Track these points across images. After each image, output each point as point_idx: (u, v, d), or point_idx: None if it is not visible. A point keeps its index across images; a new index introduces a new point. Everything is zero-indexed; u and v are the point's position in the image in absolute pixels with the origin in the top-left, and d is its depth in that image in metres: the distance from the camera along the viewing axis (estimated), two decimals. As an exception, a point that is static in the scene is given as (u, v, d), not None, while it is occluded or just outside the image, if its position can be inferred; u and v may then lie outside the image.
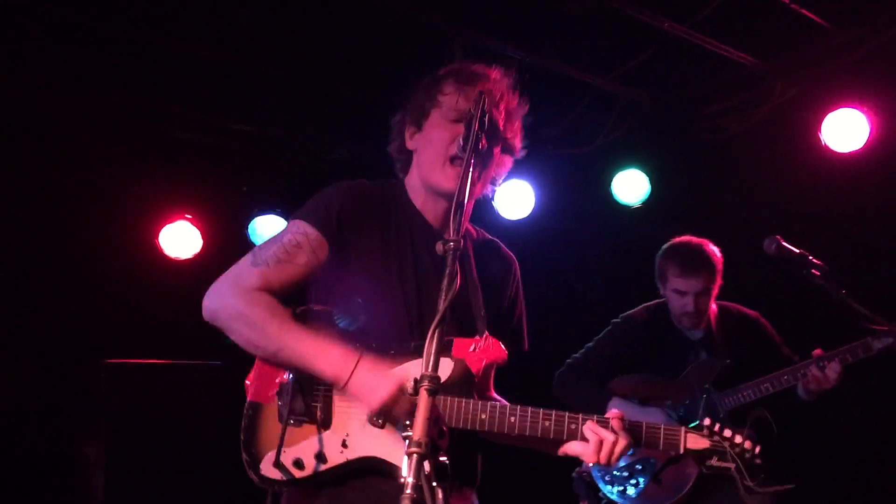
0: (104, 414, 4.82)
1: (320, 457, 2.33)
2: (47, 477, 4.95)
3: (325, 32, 4.87)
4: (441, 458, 1.82)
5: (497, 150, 2.58)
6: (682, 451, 2.38)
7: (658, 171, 6.20)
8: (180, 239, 5.65)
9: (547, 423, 2.38)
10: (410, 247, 2.56)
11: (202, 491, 4.92)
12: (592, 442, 2.37)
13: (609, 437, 2.37)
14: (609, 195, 6.28)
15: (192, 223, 5.66)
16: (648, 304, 4.53)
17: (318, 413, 2.37)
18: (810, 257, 3.82)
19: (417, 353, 2.31)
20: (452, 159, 2.51)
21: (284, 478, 2.32)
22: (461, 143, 2.33)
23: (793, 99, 5.62)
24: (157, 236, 5.61)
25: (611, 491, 4.26)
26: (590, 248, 6.61)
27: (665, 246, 4.49)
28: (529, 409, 2.38)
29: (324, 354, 2.34)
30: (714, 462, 2.34)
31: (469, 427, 2.35)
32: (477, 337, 2.45)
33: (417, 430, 1.73)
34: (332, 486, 2.36)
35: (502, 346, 2.49)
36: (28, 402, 5.16)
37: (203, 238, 5.67)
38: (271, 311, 2.40)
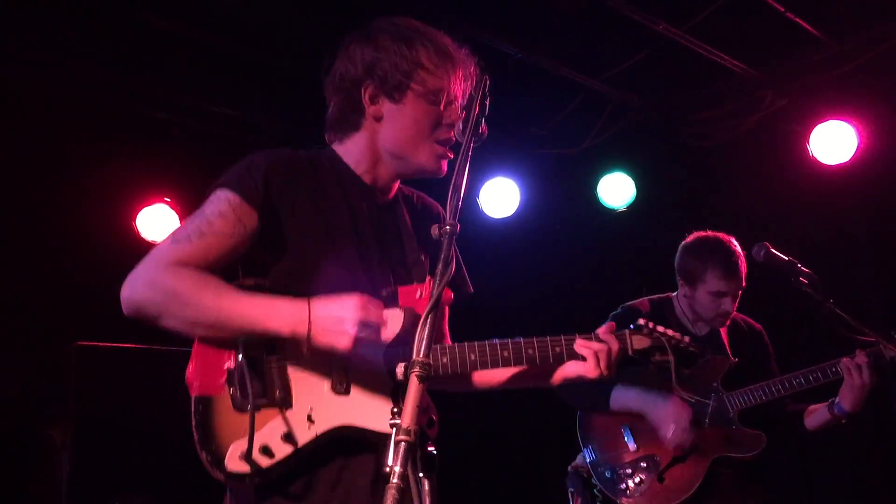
0: (73, 397, 4.71)
1: (288, 438, 2.15)
2: (12, 459, 4.83)
3: (314, 20, 4.79)
4: (429, 448, 1.75)
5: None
6: (630, 352, 2.45)
7: (644, 175, 6.19)
8: (158, 222, 5.54)
9: (531, 352, 2.33)
10: (348, 212, 2.39)
11: (169, 478, 4.83)
12: (589, 356, 2.36)
13: (601, 346, 2.37)
14: (594, 197, 6.25)
15: (170, 206, 5.56)
16: (652, 296, 4.36)
17: (276, 392, 2.18)
18: (798, 265, 3.78)
19: None
20: (441, 142, 2.39)
21: (252, 469, 2.13)
22: (461, 128, 2.25)
23: (782, 109, 5.64)
24: (134, 218, 5.52)
25: (612, 488, 4.03)
26: (573, 249, 6.58)
27: (694, 242, 4.22)
28: (508, 340, 2.33)
29: (273, 310, 2.15)
30: (657, 357, 2.46)
31: (436, 372, 2.24)
32: (419, 283, 2.32)
33: (406, 418, 1.65)
34: (305, 468, 2.18)
35: (447, 288, 2.33)
36: (-5, 383, 5.04)
37: (181, 222, 5.54)
38: (202, 280, 2.18)
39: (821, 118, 5.42)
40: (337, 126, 2.50)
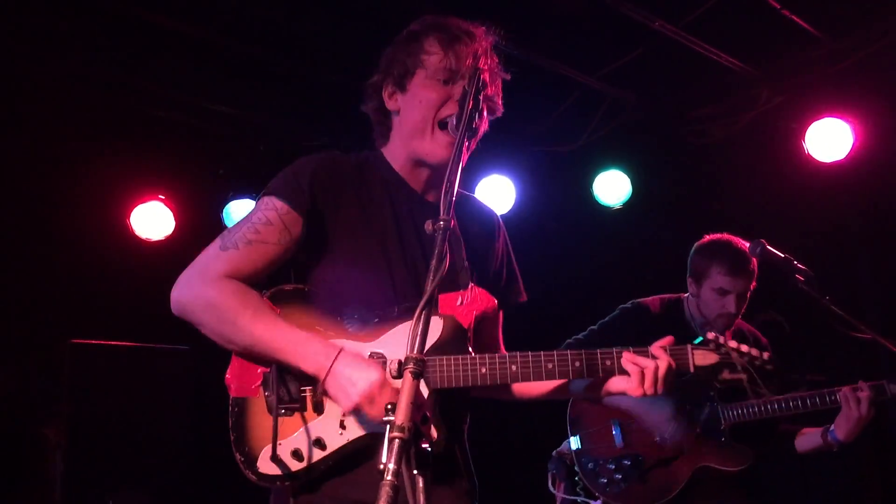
0: (67, 395, 4.70)
1: (319, 443, 2.18)
2: (6, 458, 4.81)
3: (309, 17, 4.78)
4: (423, 445, 1.73)
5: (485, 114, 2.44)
6: (691, 369, 2.32)
7: (640, 172, 6.18)
8: (152, 219, 5.55)
9: (550, 366, 2.26)
10: (392, 213, 2.40)
11: (163, 476, 4.82)
12: (634, 373, 2.28)
13: (649, 364, 2.28)
14: (590, 195, 6.24)
15: (165, 204, 5.56)
16: (664, 296, 4.34)
17: (309, 398, 2.21)
18: (795, 262, 3.77)
19: (402, 317, 2.26)
20: (442, 124, 2.38)
21: (283, 472, 2.16)
22: (454, 123, 2.24)
23: (778, 106, 5.62)
24: (128, 216, 5.51)
25: (593, 480, 4.06)
26: (569, 247, 6.57)
27: (704, 243, 4.23)
28: (529, 353, 2.27)
29: (301, 348, 2.18)
30: (726, 375, 2.29)
31: (471, 384, 2.23)
32: (462, 290, 2.34)
33: (400, 415, 1.64)
34: (335, 473, 2.21)
35: (490, 294, 2.40)
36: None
37: (176, 220, 5.57)
38: (242, 300, 2.22)
39: (817, 115, 5.41)
40: (377, 132, 2.57)
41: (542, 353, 2.29)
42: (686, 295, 4.32)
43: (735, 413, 3.96)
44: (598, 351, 2.30)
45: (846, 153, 5.35)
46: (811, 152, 5.43)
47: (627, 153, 6.17)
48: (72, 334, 4.86)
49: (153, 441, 4.82)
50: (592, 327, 4.29)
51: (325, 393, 2.18)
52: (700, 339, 2.32)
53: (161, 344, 4.96)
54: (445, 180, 1.98)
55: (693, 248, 4.28)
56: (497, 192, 6.31)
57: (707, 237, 4.26)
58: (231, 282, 2.24)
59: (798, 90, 5.52)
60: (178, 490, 4.88)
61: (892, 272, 5.40)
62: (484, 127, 2.37)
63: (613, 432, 4.07)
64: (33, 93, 4.96)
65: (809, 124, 5.43)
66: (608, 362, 2.30)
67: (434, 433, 2.14)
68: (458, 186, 2.56)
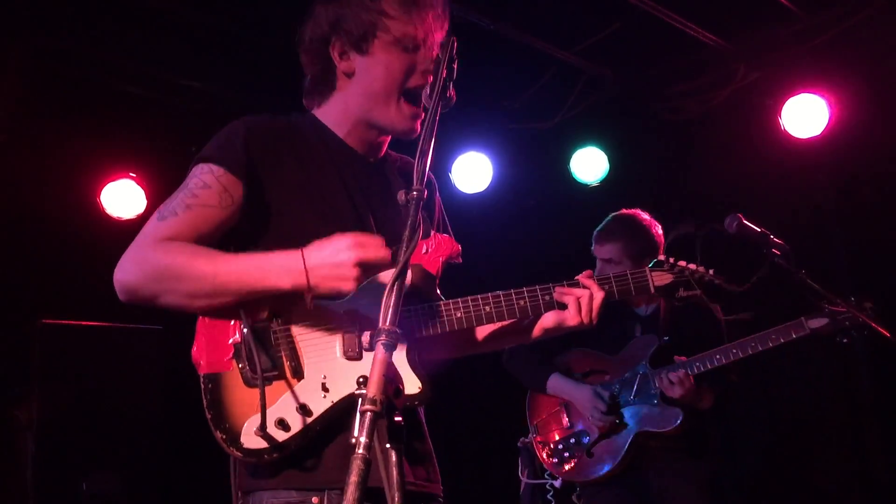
0: (37, 375, 4.63)
1: (304, 409, 2.09)
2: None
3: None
4: (396, 419, 1.69)
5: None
6: (652, 290, 2.40)
7: (617, 149, 6.17)
8: (123, 198, 5.47)
9: (522, 303, 2.29)
10: (336, 173, 2.33)
11: (136, 457, 4.77)
12: (570, 303, 2.30)
13: (583, 293, 2.31)
14: (568, 172, 6.22)
15: (136, 182, 5.47)
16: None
17: (287, 363, 2.12)
18: (771, 236, 3.78)
19: None
20: (408, 95, 2.32)
21: (270, 444, 2.07)
22: (428, 92, 2.19)
23: (754, 82, 5.62)
24: (98, 194, 5.42)
25: (549, 462, 4.40)
26: (546, 224, 6.56)
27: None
28: (500, 293, 2.29)
29: (269, 266, 2.09)
30: (682, 293, 2.41)
31: (448, 329, 2.22)
32: (425, 239, 2.28)
33: (372, 387, 1.59)
34: (322, 439, 2.12)
35: (452, 239, 2.34)
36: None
37: (147, 198, 5.49)
38: (192, 250, 2.13)
39: (792, 91, 5.41)
40: (313, 90, 2.45)
41: (512, 290, 2.30)
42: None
43: (664, 377, 4.12)
44: (537, 287, 2.32)
45: (822, 129, 5.37)
46: (787, 128, 5.44)
47: (604, 130, 6.16)
48: (42, 314, 4.79)
49: (126, 422, 4.77)
50: None
51: (316, 298, 2.09)
52: (654, 262, 2.45)
53: (133, 324, 4.90)
54: (418, 150, 1.92)
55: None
56: (474, 170, 6.29)
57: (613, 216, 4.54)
58: (175, 241, 2.13)
59: (774, 66, 5.52)
60: (152, 471, 4.83)
61: (866, 246, 5.44)
62: (454, 97, 2.32)
63: (562, 416, 4.42)
64: (0, 70, 4.85)
65: (785, 100, 5.43)
66: (546, 297, 2.32)
67: (417, 385, 2.12)
68: (390, 150, 2.53)
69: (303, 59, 2.46)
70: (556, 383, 4.41)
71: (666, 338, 4.27)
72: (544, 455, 4.43)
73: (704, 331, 4.26)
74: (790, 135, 5.44)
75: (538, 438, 4.46)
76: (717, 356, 4.04)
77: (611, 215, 4.53)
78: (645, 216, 4.48)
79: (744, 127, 5.68)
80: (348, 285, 2.07)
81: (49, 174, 5.21)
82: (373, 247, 2.07)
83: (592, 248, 4.49)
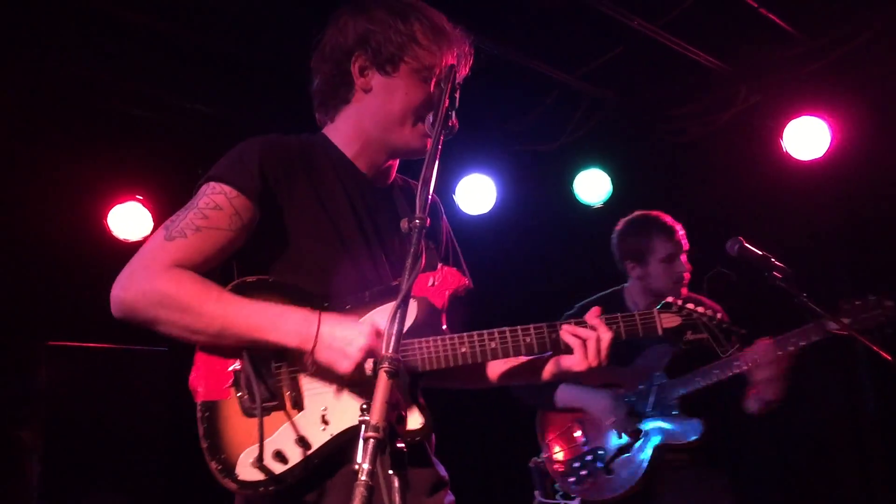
0: (43, 397, 4.64)
1: (302, 442, 2.05)
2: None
3: (289, 15, 4.75)
4: (398, 445, 1.71)
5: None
6: (660, 332, 2.36)
7: (620, 171, 6.19)
8: (130, 220, 5.49)
9: (528, 339, 2.23)
10: (345, 197, 2.30)
11: (141, 479, 4.78)
12: (576, 346, 2.26)
13: (590, 335, 2.26)
14: (571, 194, 6.25)
15: (143, 204, 5.51)
16: (601, 293, 4.41)
17: (287, 394, 2.08)
18: (772, 259, 3.78)
19: (375, 302, 2.18)
20: (417, 118, 2.32)
21: (267, 476, 2.02)
22: (430, 120, 2.21)
23: (756, 104, 5.65)
24: (105, 216, 5.45)
25: (563, 481, 4.19)
26: (550, 246, 6.58)
27: (628, 226, 4.38)
28: (506, 329, 2.24)
29: (279, 322, 2.04)
30: (690, 336, 2.37)
31: (451, 364, 2.18)
32: (432, 271, 2.26)
33: (375, 414, 1.60)
34: (320, 472, 2.09)
35: (460, 273, 2.31)
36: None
37: (154, 220, 5.52)
38: (203, 286, 2.05)
39: (794, 114, 5.44)
40: (324, 99, 2.42)
41: (518, 327, 2.26)
42: (623, 286, 4.39)
43: (681, 388, 4.02)
44: (544, 324, 2.29)
45: (824, 151, 5.39)
46: (789, 150, 5.46)
47: (608, 152, 6.19)
48: (48, 336, 4.81)
49: (130, 443, 4.78)
50: None
51: (315, 365, 2.06)
52: (662, 303, 2.41)
53: (138, 346, 4.92)
54: (421, 178, 1.93)
55: (618, 234, 4.41)
56: (477, 192, 6.31)
57: (623, 221, 4.41)
58: (183, 271, 2.07)
59: (776, 88, 5.55)
60: (157, 492, 4.84)
61: (869, 268, 5.44)
62: (457, 125, 2.34)
63: (575, 432, 4.21)
64: (8, 91, 4.90)
65: (787, 123, 5.46)
66: (553, 335, 2.28)
67: (420, 421, 2.10)
68: (399, 173, 2.52)
69: (316, 64, 2.43)
70: (567, 393, 4.20)
71: (681, 347, 4.09)
72: (559, 474, 4.21)
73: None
74: (792, 157, 5.46)
75: (551, 457, 4.26)
76: (736, 362, 3.88)
77: (649, 213, 4.36)
78: None
79: (746, 149, 5.70)
80: (345, 365, 2.03)
81: (56, 196, 5.25)
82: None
83: (662, 248, 4.19)
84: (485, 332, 2.24)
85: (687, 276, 4.21)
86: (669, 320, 2.37)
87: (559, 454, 4.23)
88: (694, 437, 3.98)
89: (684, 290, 4.21)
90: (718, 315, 2.40)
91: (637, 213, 4.40)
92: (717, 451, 4.14)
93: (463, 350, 2.19)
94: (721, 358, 4.03)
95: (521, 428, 4.73)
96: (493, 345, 2.22)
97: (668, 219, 4.28)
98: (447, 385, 2.54)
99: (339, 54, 2.36)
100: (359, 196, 2.34)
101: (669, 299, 2.41)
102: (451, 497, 2.33)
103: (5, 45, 4.62)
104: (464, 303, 2.37)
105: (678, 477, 4.03)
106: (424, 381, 2.25)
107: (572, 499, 4.21)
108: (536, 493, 4.35)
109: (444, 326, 2.29)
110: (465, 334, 2.23)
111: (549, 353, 2.35)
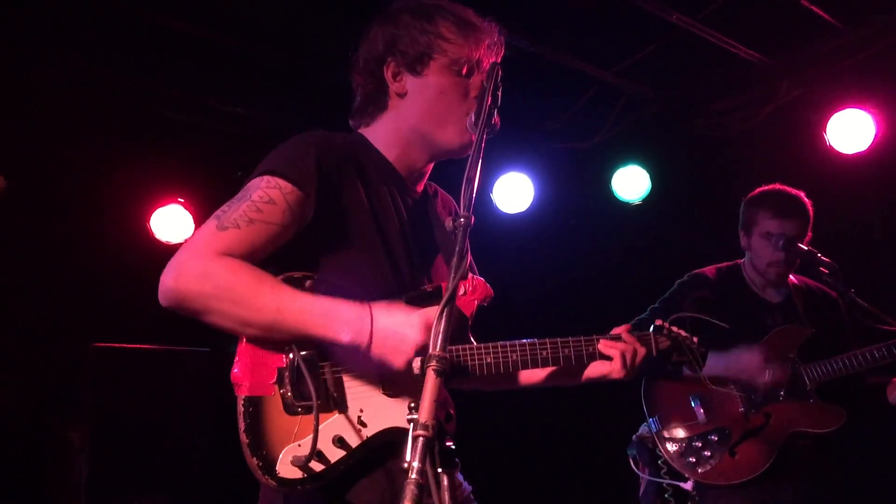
0: (90, 398, 4.71)
1: (340, 442, 2.07)
2: (30, 461, 4.83)
3: (326, 17, 4.77)
4: (447, 444, 1.71)
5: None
6: (654, 353, 2.48)
7: (659, 168, 6.14)
8: (172, 223, 5.55)
9: (567, 351, 2.34)
10: (389, 200, 2.31)
11: (187, 479, 4.83)
12: (616, 356, 2.37)
13: (628, 347, 2.39)
14: (609, 191, 6.21)
15: (184, 207, 5.57)
16: (719, 264, 4.22)
17: (330, 393, 2.09)
18: (818, 254, 3.73)
19: (412, 304, 2.18)
20: (461, 117, 2.33)
21: (307, 474, 2.03)
22: (472, 119, 2.21)
23: (798, 98, 5.58)
24: (148, 219, 5.52)
25: (679, 461, 3.84)
26: (588, 243, 6.54)
27: (753, 193, 4.21)
28: (535, 340, 2.32)
29: (334, 315, 2.02)
30: (676, 357, 2.51)
31: (478, 373, 2.22)
32: (463, 280, 2.28)
33: (424, 413, 1.60)
34: (356, 472, 2.11)
35: (486, 284, 2.34)
36: (13, 385, 5.04)
37: (195, 223, 5.57)
38: (256, 277, 2.03)
39: (837, 107, 5.35)
40: (363, 109, 2.44)
41: (536, 340, 2.32)
42: (742, 260, 4.21)
43: (819, 372, 3.78)
44: (582, 338, 2.38)
45: (868, 144, 5.30)
46: (833, 144, 5.37)
47: (646, 148, 6.14)
48: (94, 338, 4.87)
49: (175, 443, 4.83)
50: (653, 305, 4.16)
51: (368, 360, 2.05)
52: (654, 327, 2.51)
53: (182, 346, 4.98)
54: (465, 176, 1.91)
55: (742, 203, 4.22)
56: (515, 190, 6.30)
57: (762, 188, 4.19)
58: (237, 260, 2.04)
59: (818, 81, 5.47)
60: (203, 492, 4.88)
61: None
62: (499, 124, 2.33)
63: (694, 409, 3.88)
64: (52, 98, 4.99)
65: (830, 116, 5.37)
66: (590, 348, 2.37)
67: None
68: (430, 180, 2.54)
69: (356, 79, 2.45)
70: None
71: (812, 329, 3.86)
72: (673, 452, 3.86)
73: (833, 324, 3.94)
74: (836, 150, 5.38)
75: (663, 433, 3.90)
76: (882, 351, 3.68)
77: (785, 190, 4.12)
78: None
79: (787, 143, 5.62)
80: (400, 361, 2.04)
81: (100, 200, 5.32)
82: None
83: (764, 223, 4.00)
84: (507, 343, 2.29)
85: (778, 267, 3.96)
86: (662, 342, 2.50)
87: (678, 430, 3.89)
88: (836, 426, 3.74)
89: (805, 279, 4.03)
90: (695, 339, 2.53)
91: (771, 186, 4.19)
92: (836, 444, 3.88)
93: (489, 360, 2.24)
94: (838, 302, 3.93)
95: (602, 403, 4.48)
96: (514, 357, 2.28)
97: (789, 197, 4.04)
98: (464, 387, 2.56)
99: (371, 64, 2.39)
100: (400, 200, 2.36)
101: (658, 322, 2.52)
102: (467, 486, 2.38)
103: (52, 52, 4.70)
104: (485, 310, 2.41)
105: (801, 471, 3.79)
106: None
107: (684, 480, 3.90)
108: (642, 469, 4.05)
109: (470, 335, 2.35)
110: (489, 344, 2.27)
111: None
